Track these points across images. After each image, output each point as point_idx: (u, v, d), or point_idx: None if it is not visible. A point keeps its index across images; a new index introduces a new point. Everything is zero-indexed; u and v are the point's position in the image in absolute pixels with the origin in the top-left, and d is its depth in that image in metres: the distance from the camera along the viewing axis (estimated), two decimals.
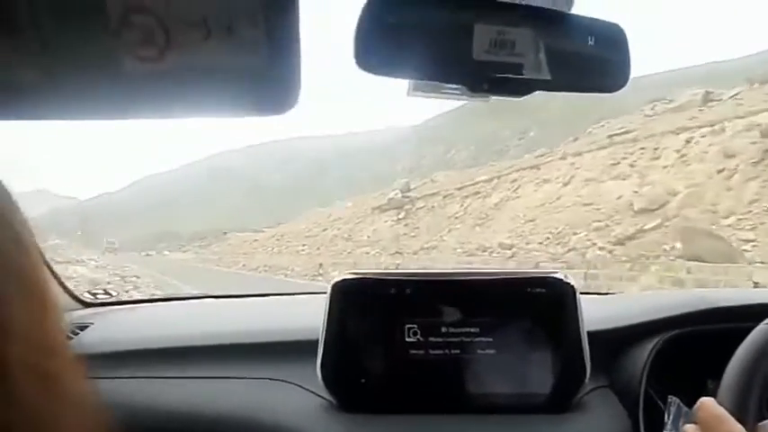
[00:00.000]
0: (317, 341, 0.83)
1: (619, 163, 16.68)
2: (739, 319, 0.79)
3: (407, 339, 0.83)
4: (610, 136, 18.93)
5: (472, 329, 0.83)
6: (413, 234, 20.52)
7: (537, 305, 0.84)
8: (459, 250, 16.79)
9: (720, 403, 0.62)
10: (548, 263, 12.36)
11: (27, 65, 0.44)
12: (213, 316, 1.18)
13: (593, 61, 0.60)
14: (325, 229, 27.38)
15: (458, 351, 0.82)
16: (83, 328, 1.05)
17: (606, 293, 1.20)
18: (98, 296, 1.39)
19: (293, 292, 1.55)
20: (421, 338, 0.83)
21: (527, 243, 15.04)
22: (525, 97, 0.62)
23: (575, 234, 14.09)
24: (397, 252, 18.90)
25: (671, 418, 0.73)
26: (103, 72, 0.47)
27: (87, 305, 1.28)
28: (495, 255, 14.92)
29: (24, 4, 0.42)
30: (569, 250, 13.50)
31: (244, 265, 24.78)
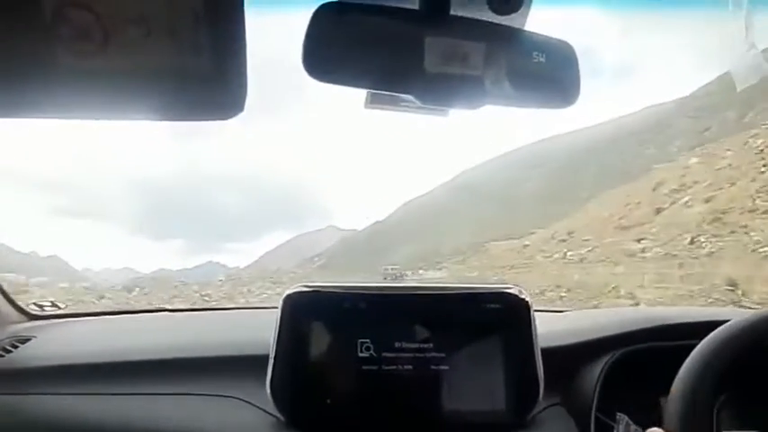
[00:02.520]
0: (267, 356, 0.81)
1: None
2: (686, 336, 0.80)
3: (360, 354, 0.81)
4: None
5: (426, 345, 0.82)
6: None
7: (492, 321, 0.83)
8: None
9: (667, 425, 0.63)
10: None
11: None
12: (163, 330, 1.14)
13: (544, 77, 0.60)
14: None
15: (411, 367, 0.81)
16: (24, 341, 1.00)
17: (560, 310, 1.21)
18: (45, 308, 1.33)
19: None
20: (374, 354, 0.81)
21: None
22: None
23: None
24: None
25: None
26: (37, 65, 0.45)
27: (33, 318, 1.23)
28: None
29: None
30: None
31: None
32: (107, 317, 1.34)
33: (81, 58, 0.46)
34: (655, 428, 0.61)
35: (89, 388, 0.87)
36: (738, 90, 0.62)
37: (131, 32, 0.45)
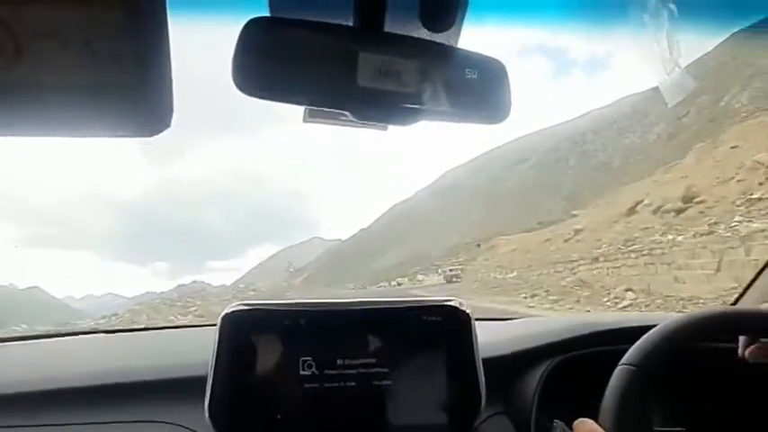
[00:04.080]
0: (205, 377, 0.78)
1: None
2: (620, 341, 0.83)
3: (302, 373, 0.80)
4: None
5: (368, 360, 0.81)
6: None
7: (432, 333, 0.84)
8: None
9: (601, 424, 0.65)
10: None
11: None
12: (95, 354, 1.08)
13: (476, 93, 0.62)
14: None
15: (353, 383, 0.80)
16: None
17: (502, 319, 1.23)
18: None
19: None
20: (316, 371, 0.80)
21: None
22: None
23: None
24: None
25: None
26: None
27: None
28: None
29: None
30: None
31: None
32: (38, 341, 1.26)
33: None
34: (584, 418, 0.63)
35: (10, 419, 0.81)
36: (670, 106, 0.65)
37: (45, 45, 0.43)
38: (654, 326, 0.76)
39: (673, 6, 0.53)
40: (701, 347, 0.90)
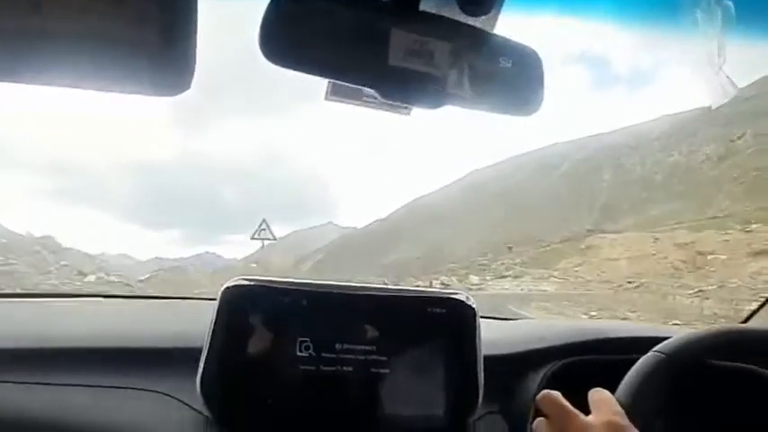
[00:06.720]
0: (200, 350, 0.77)
1: None
2: (626, 350, 0.81)
3: (299, 354, 0.78)
4: None
5: (367, 347, 0.79)
6: None
7: (435, 325, 0.82)
8: None
9: (617, 398, 0.64)
10: None
11: None
12: (92, 317, 1.07)
13: (508, 82, 0.60)
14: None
15: (350, 369, 0.79)
16: None
17: (507, 318, 1.21)
18: None
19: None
20: (313, 353, 0.78)
21: None
22: None
23: None
24: None
25: None
26: None
27: None
28: None
29: None
30: None
31: None
32: (37, 299, 1.25)
33: (18, 18, 0.42)
34: (548, 390, 0.64)
35: (2, 375, 0.80)
36: (714, 108, 0.63)
37: None
38: (664, 338, 0.74)
39: (729, 4, 0.50)
40: (723, 366, 0.89)
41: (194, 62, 0.46)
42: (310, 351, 0.78)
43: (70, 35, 0.43)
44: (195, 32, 0.45)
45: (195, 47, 0.46)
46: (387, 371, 0.80)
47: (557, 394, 0.63)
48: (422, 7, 0.59)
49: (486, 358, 0.83)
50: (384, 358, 0.80)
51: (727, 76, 0.53)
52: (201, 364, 0.76)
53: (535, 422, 0.65)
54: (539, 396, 0.64)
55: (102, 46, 0.45)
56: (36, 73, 0.45)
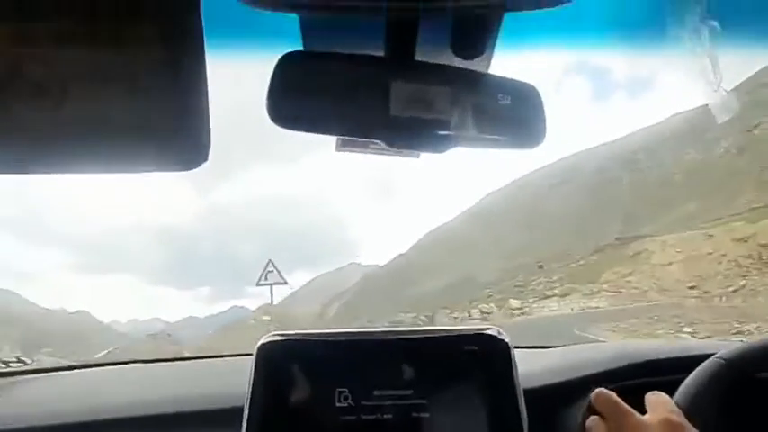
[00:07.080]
0: (241, 408, 0.78)
1: None
2: (671, 371, 0.79)
3: (338, 404, 0.78)
4: None
5: (405, 391, 0.79)
6: None
7: (470, 363, 0.81)
8: None
9: (676, 401, 0.62)
10: None
11: None
12: (132, 384, 1.09)
13: (509, 119, 0.61)
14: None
15: (391, 415, 0.78)
16: None
17: (540, 347, 1.19)
18: (10, 365, 1.28)
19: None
20: (352, 403, 0.78)
21: None
22: None
23: None
24: None
25: None
26: None
27: None
28: None
29: None
30: None
31: None
32: (76, 371, 1.28)
33: (39, 112, 0.46)
34: (601, 389, 0.64)
35: None
36: (719, 122, 0.63)
37: (88, 85, 0.45)
38: (708, 355, 0.72)
39: (715, 24, 0.51)
40: None
41: (209, 132, 0.49)
42: (349, 401, 0.78)
43: (91, 125, 0.46)
44: (207, 103, 0.48)
45: (209, 118, 0.48)
46: (427, 414, 0.79)
47: (611, 393, 0.62)
48: (417, 57, 0.61)
49: (527, 391, 0.82)
50: (423, 401, 0.79)
51: (726, 92, 0.53)
52: (244, 423, 0.77)
53: (589, 420, 0.63)
54: (593, 395, 0.63)
55: (123, 131, 0.47)
56: (63, 164, 0.48)
